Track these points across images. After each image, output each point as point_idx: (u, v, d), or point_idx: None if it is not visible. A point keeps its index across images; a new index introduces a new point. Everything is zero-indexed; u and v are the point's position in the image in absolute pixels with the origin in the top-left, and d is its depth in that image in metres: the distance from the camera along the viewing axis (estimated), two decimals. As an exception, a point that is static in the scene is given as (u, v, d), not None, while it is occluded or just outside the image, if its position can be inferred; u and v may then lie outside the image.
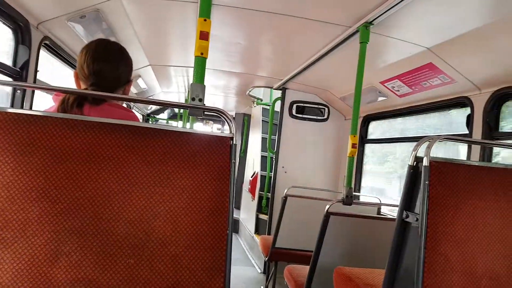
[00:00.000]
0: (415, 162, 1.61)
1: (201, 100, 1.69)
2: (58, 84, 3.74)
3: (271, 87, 5.85)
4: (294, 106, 5.62)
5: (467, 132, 3.14)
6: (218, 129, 12.79)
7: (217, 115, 1.41)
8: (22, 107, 2.66)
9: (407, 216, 1.63)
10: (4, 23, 2.52)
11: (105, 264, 1.13)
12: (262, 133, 7.24)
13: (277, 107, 6.17)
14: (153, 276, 1.16)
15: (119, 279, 1.14)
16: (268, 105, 7.15)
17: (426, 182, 1.50)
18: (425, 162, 1.52)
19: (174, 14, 3.16)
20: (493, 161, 2.98)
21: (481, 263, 1.51)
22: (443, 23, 2.57)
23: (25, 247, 1.09)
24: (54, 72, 3.72)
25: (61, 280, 1.10)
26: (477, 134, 3.00)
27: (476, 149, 3.00)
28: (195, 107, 1.48)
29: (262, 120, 7.32)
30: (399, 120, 4.49)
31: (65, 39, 3.19)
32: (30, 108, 2.76)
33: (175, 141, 1.24)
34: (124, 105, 1.84)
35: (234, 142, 1.29)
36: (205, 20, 1.87)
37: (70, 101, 1.46)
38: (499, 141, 2.88)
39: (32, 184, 1.12)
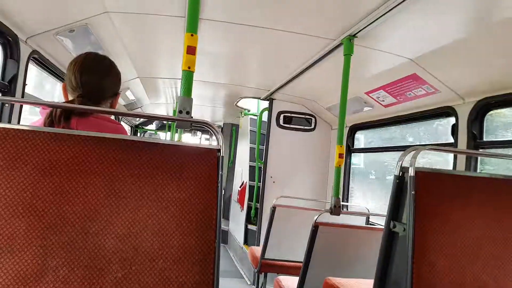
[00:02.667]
0: (401, 172, 1.62)
1: (188, 113, 1.70)
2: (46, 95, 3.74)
3: (258, 98, 5.87)
4: (282, 116, 5.64)
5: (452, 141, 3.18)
6: (206, 139, 12.78)
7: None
8: (10, 122, 2.64)
9: (394, 226, 1.64)
10: (-7, 38, 2.52)
11: (93, 279, 1.13)
12: (250, 143, 7.24)
13: (265, 117, 6.19)
14: None
15: None
16: (256, 116, 7.17)
17: (412, 192, 1.51)
18: (410, 172, 1.54)
19: (162, 28, 3.17)
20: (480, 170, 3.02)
21: (469, 272, 1.52)
22: (426, 35, 2.61)
23: (11, 262, 1.08)
24: (45, 85, 3.71)
25: None
26: (462, 143, 3.04)
27: (462, 157, 3.04)
28: (183, 120, 1.49)
29: (250, 130, 7.32)
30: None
31: (54, 53, 3.18)
32: (18, 122, 2.74)
33: (162, 154, 1.24)
34: (112, 116, 1.84)
35: (221, 154, 1.30)
36: (192, 35, 1.88)
37: (57, 114, 1.46)
38: (483, 150, 2.92)
39: (19, 198, 1.11)
